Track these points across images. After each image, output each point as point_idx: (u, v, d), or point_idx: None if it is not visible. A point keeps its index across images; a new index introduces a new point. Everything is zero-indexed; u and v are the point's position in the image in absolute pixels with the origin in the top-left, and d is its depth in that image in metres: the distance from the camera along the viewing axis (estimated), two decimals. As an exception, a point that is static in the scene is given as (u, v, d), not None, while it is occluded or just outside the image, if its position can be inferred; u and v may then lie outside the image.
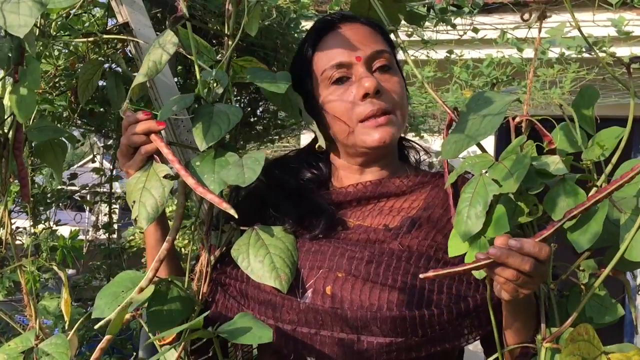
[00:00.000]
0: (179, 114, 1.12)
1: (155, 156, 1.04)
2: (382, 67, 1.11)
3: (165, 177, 0.99)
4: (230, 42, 1.04)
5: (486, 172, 0.85)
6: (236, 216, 0.95)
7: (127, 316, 1.01)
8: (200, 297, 1.07)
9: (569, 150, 0.92)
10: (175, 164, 0.99)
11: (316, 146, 1.10)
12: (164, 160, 1.03)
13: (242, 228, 1.07)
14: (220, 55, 1.12)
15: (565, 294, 0.93)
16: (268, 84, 1.02)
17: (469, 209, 0.85)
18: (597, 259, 0.91)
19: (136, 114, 1.05)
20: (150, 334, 0.98)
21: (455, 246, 0.90)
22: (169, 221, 1.15)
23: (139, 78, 0.97)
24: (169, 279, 1.03)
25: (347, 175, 1.16)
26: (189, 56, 1.02)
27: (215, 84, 1.02)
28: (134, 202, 0.98)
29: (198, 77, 1.01)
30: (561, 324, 0.85)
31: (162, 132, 1.04)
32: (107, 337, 0.96)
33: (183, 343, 1.00)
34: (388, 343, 0.96)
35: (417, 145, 1.26)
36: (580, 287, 0.91)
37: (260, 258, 1.01)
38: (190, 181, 0.96)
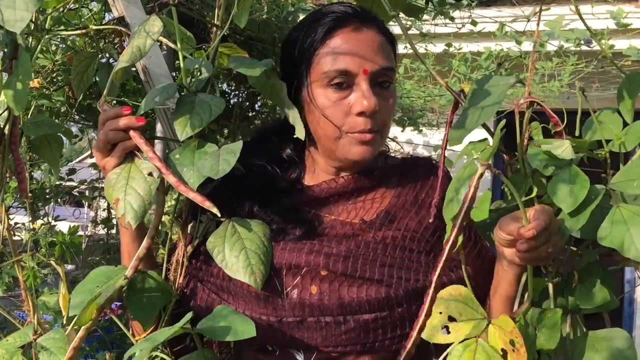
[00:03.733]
0: (174, 107, 1.12)
1: (136, 152, 1.00)
2: (383, 83, 1.08)
3: (149, 174, 0.97)
4: (218, 32, 1.03)
5: (477, 157, 0.87)
6: (219, 214, 0.94)
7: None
8: (176, 288, 1.07)
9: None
10: (155, 162, 0.96)
11: (295, 136, 1.06)
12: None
13: (218, 220, 1.04)
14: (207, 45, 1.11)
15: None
16: (245, 68, 0.99)
17: (454, 194, 0.87)
18: (599, 249, 0.92)
19: (115, 109, 1.01)
20: (123, 328, 0.97)
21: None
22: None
23: (122, 63, 0.95)
24: (142, 271, 1.02)
25: (322, 172, 1.14)
26: (171, 44, 1.00)
27: (199, 73, 1.00)
28: (117, 199, 0.95)
29: (182, 64, 0.99)
30: (555, 305, 0.89)
31: (158, 125, 1.02)
32: (79, 335, 0.94)
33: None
34: (373, 318, 0.98)
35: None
36: (573, 273, 0.92)
37: (236, 253, 0.99)
38: (171, 179, 0.95)
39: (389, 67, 1.07)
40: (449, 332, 0.85)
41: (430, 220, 1.02)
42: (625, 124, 0.89)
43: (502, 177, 0.79)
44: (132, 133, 0.99)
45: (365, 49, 1.05)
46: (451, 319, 0.85)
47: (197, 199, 0.95)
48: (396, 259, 1.03)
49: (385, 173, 1.15)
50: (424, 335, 0.86)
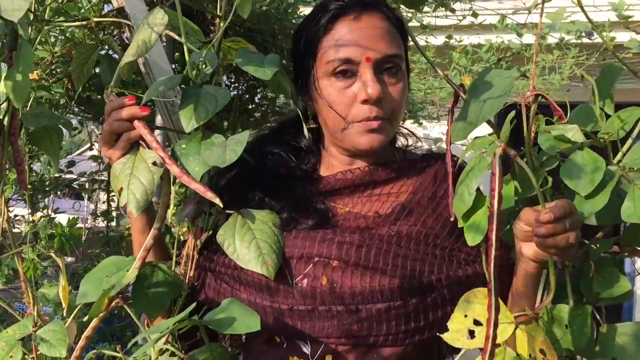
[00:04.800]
0: (175, 99, 1.11)
1: (141, 142, 1.01)
2: (390, 69, 1.07)
3: (154, 164, 0.97)
4: (221, 24, 1.02)
5: (485, 151, 0.86)
6: (222, 205, 0.94)
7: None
8: (187, 281, 1.06)
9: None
10: (159, 152, 0.97)
11: (305, 130, 1.08)
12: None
13: (227, 212, 1.04)
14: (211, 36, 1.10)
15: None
16: (254, 68, 0.98)
17: (463, 187, 0.87)
18: (614, 239, 0.91)
19: (120, 99, 1.02)
20: (135, 319, 0.97)
21: (472, 237, 0.89)
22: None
23: (128, 57, 0.95)
24: (153, 264, 1.02)
25: (337, 163, 1.14)
26: (177, 37, 1.00)
27: (204, 66, 1.00)
28: (121, 188, 0.96)
29: (187, 57, 0.99)
30: (573, 299, 0.87)
31: (158, 117, 1.02)
32: (92, 324, 0.95)
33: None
34: (386, 308, 0.97)
35: (406, 130, 1.24)
36: (590, 264, 0.90)
37: (246, 244, 1.00)
38: (174, 169, 0.95)
39: (393, 54, 1.06)
40: (472, 337, 0.81)
41: (452, 219, 0.99)
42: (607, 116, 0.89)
43: (519, 161, 0.78)
44: (136, 123, 1.00)
45: (367, 37, 1.05)
46: (476, 322, 0.81)
47: (200, 189, 0.94)
48: (410, 250, 1.01)
49: (403, 167, 1.14)
50: (446, 339, 0.83)
